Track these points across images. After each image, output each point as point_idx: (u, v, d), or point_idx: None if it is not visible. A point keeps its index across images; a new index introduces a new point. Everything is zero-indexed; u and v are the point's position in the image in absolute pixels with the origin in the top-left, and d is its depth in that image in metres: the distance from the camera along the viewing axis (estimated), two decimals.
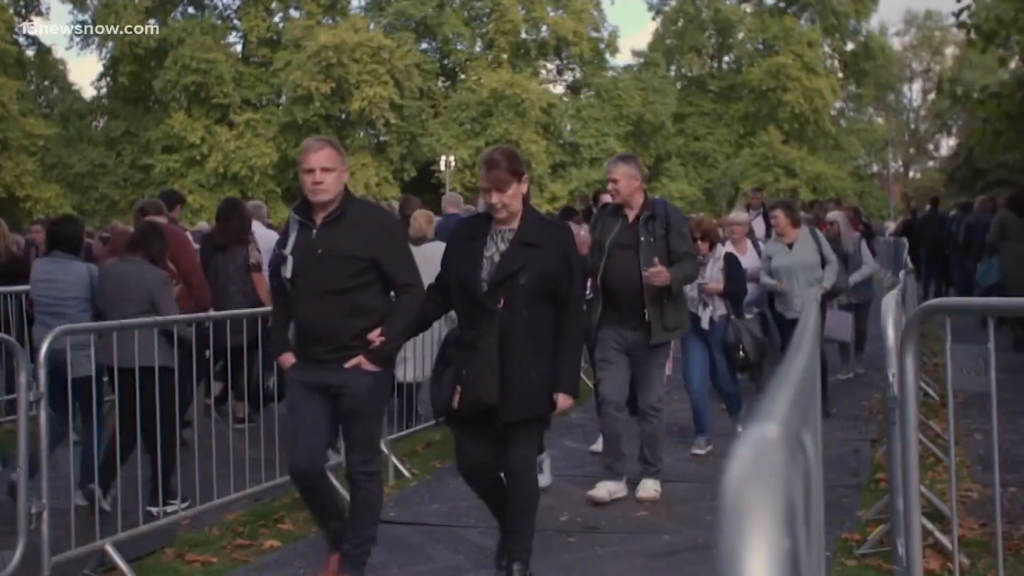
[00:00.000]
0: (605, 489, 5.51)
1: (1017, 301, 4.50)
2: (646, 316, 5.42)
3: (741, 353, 6.63)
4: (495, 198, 4.03)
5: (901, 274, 7.62)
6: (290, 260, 4.08)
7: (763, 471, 0.87)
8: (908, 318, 4.04)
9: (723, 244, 7.22)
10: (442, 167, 39.61)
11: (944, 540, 4.29)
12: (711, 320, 6.61)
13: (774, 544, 0.81)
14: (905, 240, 14.48)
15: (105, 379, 5.53)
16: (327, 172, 3.98)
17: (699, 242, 6.49)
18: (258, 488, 5.49)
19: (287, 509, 5.48)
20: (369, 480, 4.18)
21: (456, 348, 4.09)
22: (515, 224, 4.08)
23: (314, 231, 4.05)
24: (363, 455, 4.16)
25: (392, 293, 4.15)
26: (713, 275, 6.59)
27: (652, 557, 4.66)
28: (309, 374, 4.08)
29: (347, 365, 4.00)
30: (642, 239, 5.43)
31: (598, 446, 6.42)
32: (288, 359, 4.19)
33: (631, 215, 5.53)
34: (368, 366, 4.01)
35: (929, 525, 4.34)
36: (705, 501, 5.47)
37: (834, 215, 9.84)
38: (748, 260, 7.59)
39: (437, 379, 4.13)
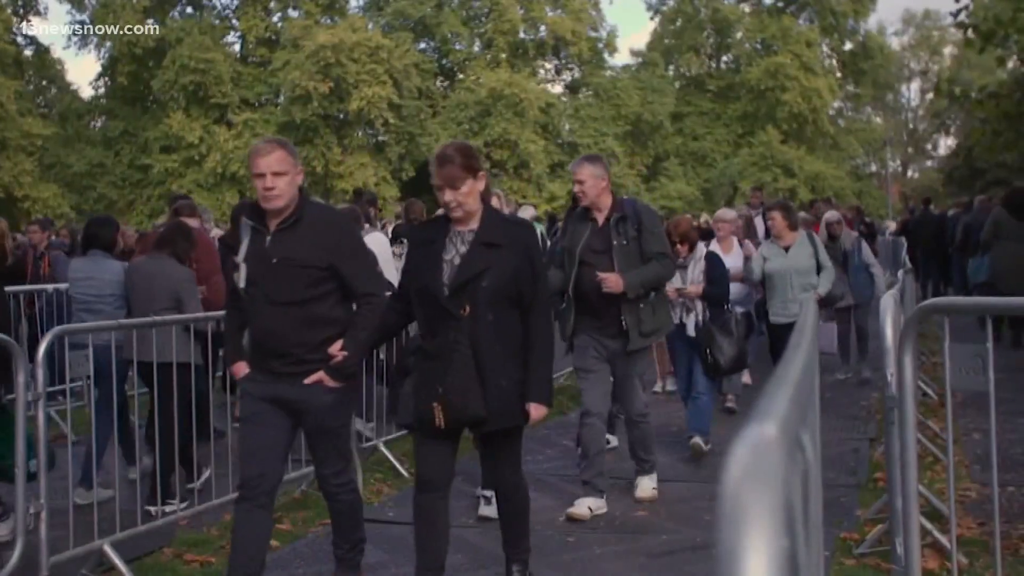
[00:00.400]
0: (585, 506, 5.24)
1: (1016, 301, 4.50)
2: (624, 324, 5.24)
3: (709, 357, 6.23)
4: (448, 196, 3.77)
5: (900, 273, 7.61)
6: (243, 268, 3.86)
7: (762, 471, 0.87)
8: (907, 318, 4.05)
9: (707, 245, 7.09)
10: None
11: (942, 539, 4.29)
12: (696, 326, 6.33)
13: (773, 544, 0.81)
14: (904, 240, 14.49)
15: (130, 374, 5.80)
16: (279, 176, 3.74)
17: (678, 246, 6.23)
18: None
19: (286, 509, 5.47)
20: (345, 491, 4.05)
21: (417, 359, 3.85)
22: (475, 224, 3.85)
23: (268, 238, 3.82)
24: (333, 468, 4.00)
25: (353, 303, 3.93)
26: (694, 277, 6.33)
27: (651, 557, 4.66)
28: (265, 387, 3.87)
29: (307, 381, 3.81)
30: (615, 242, 5.22)
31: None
32: (241, 368, 3.97)
33: (600, 218, 5.31)
34: (330, 382, 3.83)
35: (927, 524, 4.34)
36: (703, 501, 5.47)
37: (832, 214, 9.86)
38: (732, 259, 7.44)
39: (396, 390, 3.90)
